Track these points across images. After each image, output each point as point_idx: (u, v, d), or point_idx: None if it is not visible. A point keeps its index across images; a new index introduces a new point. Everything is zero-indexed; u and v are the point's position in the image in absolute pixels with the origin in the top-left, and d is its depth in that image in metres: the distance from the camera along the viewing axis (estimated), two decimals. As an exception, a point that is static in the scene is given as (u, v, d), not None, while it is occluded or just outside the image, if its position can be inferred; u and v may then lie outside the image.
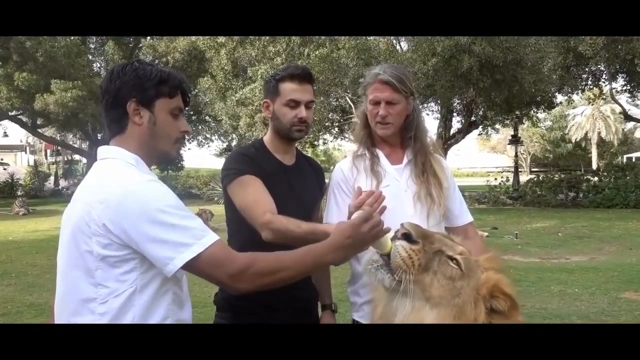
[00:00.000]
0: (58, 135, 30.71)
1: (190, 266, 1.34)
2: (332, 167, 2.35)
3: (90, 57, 24.32)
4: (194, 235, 1.35)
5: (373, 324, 1.60)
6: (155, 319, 1.41)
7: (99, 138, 27.31)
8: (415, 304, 1.44)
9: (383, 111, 2.04)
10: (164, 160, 1.61)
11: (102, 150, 1.53)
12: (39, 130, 27.46)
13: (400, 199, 2.01)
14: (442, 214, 2.07)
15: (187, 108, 1.61)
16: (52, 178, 30.52)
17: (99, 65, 25.52)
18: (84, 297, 1.39)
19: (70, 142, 33.15)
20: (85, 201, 1.40)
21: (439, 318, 1.41)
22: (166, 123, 1.51)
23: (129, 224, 1.33)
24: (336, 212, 2.07)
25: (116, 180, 1.39)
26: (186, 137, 1.60)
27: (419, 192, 2.05)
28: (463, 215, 2.18)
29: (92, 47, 25.17)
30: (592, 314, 5.46)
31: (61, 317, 1.46)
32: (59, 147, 32.80)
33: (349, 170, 2.12)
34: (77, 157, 35.28)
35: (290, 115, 2.07)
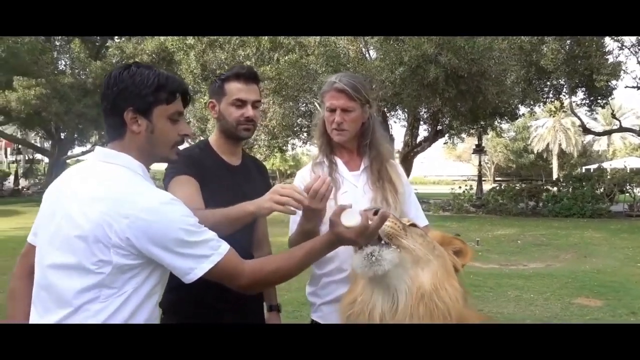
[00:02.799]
0: (19, 133, 29.89)
1: (208, 274, 1.44)
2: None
3: (55, 54, 23.80)
4: (212, 246, 1.45)
5: (337, 324, 1.69)
6: (140, 318, 1.45)
7: (62, 137, 26.72)
8: (410, 273, 1.55)
9: (339, 118, 2.10)
10: (162, 162, 1.64)
11: (106, 153, 1.51)
12: (-1, 127, 26.70)
13: (358, 205, 2.08)
14: (409, 221, 2.16)
15: (187, 107, 1.61)
16: (11, 177, 29.61)
17: (64, 63, 24.99)
18: (85, 299, 1.39)
19: (32, 141, 32.30)
20: (102, 211, 1.38)
21: (433, 272, 1.56)
22: (164, 129, 1.52)
23: (154, 242, 1.38)
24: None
25: (140, 196, 1.41)
26: (185, 139, 1.61)
27: (375, 197, 2.11)
28: (418, 219, 2.25)
29: (58, 44, 24.64)
30: (545, 318, 5.66)
31: (57, 313, 1.43)
32: (20, 146, 31.89)
33: (309, 178, 2.14)
34: (38, 156, 34.40)
35: (237, 114, 2.07)
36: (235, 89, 2.08)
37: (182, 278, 1.44)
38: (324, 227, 1.76)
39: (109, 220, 1.37)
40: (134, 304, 1.43)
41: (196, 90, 17.48)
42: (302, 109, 18.18)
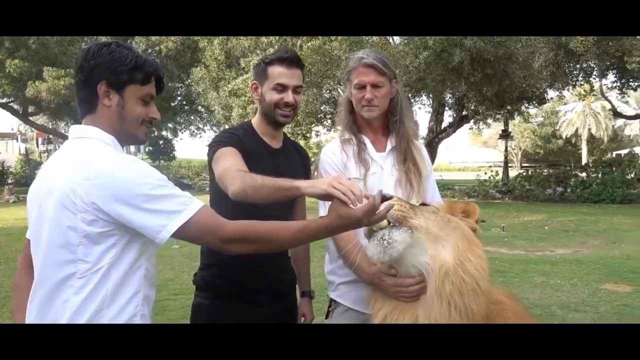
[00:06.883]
0: (50, 123, 30.52)
1: (182, 231, 1.38)
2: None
3: (83, 45, 24.17)
4: (182, 202, 1.39)
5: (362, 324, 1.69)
6: (127, 292, 1.44)
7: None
8: (430, 253, 1.54)
9: (369, 94, 2.08)
10: (132, 143, 1.62)
11: (76, 129, 1.53)
12: (30, 118, 27.28)
13: (383, 186, 2.08)
14: (419, 201, 2.15)
15: (160, 93, 1.61)
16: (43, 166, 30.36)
17: (91, 53, 25.33)
18: (65, 274, 1.41)
19: (62, 131, 32.90)
20: (67, 178, 1.39)
21: (454, 246, 1.55)
22: (135, 109, 1.52)
23: (120, 200, 1.35)
24: None
25: (102, 158, 1.40)
26: (153, 122, 1.60)
27: (400, 179, 2.11)
28: (435, 199, 2.25)
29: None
30: (572, 304, 5.59)
31: (40, 291, 1.46)
32: (51, 136, 32.58)
33: (339, 154, 2.14)
34: (68, 145, 35.07)
35: (276, 98, 2.07)
36: (277, 73, 2.08)
37: (155, 239, 1.38)
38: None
39: (72, 185, 1.37)
40: (116, 279, 1.41)
41: (220, 77, 17.52)
42: (326, 95, 18.08)
